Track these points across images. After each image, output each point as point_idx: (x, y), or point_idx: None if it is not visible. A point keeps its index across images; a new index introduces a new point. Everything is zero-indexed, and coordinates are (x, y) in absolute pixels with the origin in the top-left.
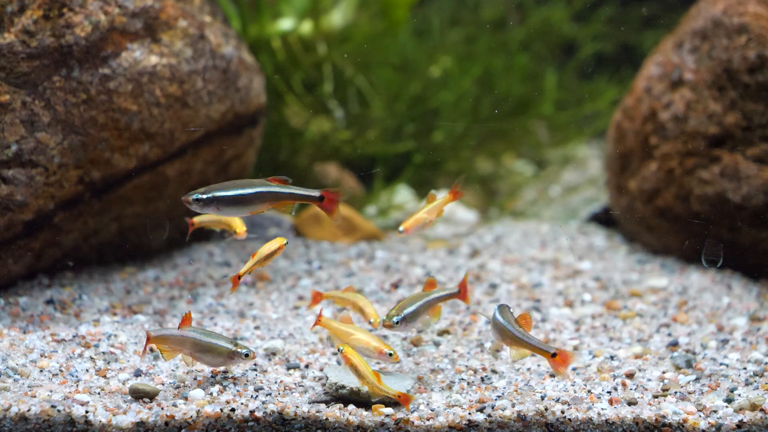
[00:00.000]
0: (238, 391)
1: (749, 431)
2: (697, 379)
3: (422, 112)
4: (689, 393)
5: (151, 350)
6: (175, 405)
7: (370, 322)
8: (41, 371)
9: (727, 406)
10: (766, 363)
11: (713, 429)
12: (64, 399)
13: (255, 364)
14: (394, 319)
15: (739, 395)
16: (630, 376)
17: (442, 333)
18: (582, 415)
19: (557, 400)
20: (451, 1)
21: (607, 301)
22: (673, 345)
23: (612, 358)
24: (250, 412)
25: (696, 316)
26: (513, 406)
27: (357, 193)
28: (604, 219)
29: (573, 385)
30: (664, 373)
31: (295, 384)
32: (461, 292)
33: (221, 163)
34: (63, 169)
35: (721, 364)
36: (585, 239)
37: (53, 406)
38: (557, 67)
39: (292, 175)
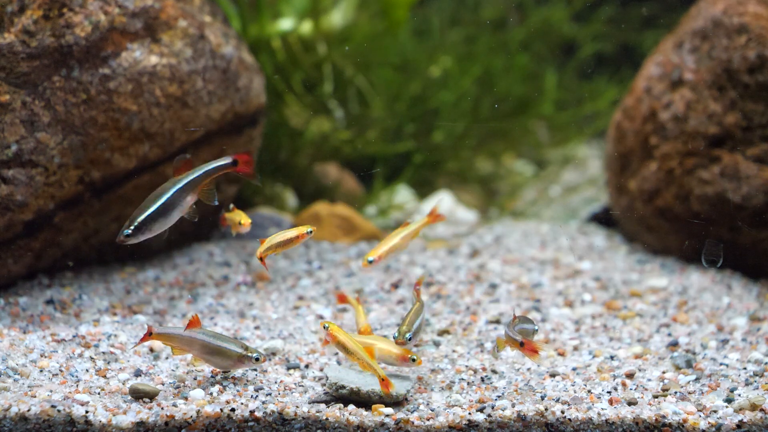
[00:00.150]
0: (238, 391)
1: (749, 431)
2: (697, 379)
3: (422, 112)
4: (689, 393)
5: (151, 350)
6: (175, 405)
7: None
8: (41, 371)
9: (727, 406)
10: (766, 363)
11: (713, 429)
12: (64, 399)
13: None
14: (407, 335)
15: (739, 395)
16: (630, 376)
17: (442, 333)
18: (582, 415)
19: (557, 400)
20: (451, 1)
21: (607, 301)
22: (673, 345)
23: (612, 358)
24: (250, 412)
25: (696, 316)
26: (513, 406)
27: (357, 193)
28: (604, 219)
29: (573, 385)
30: (664, 373)
31: (295, 384)
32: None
33: None
34: (63, 169)
35: (721, 364)
36: (585, 239)
37: (53, 406)
38: (557, 67)
39: (293, 175)
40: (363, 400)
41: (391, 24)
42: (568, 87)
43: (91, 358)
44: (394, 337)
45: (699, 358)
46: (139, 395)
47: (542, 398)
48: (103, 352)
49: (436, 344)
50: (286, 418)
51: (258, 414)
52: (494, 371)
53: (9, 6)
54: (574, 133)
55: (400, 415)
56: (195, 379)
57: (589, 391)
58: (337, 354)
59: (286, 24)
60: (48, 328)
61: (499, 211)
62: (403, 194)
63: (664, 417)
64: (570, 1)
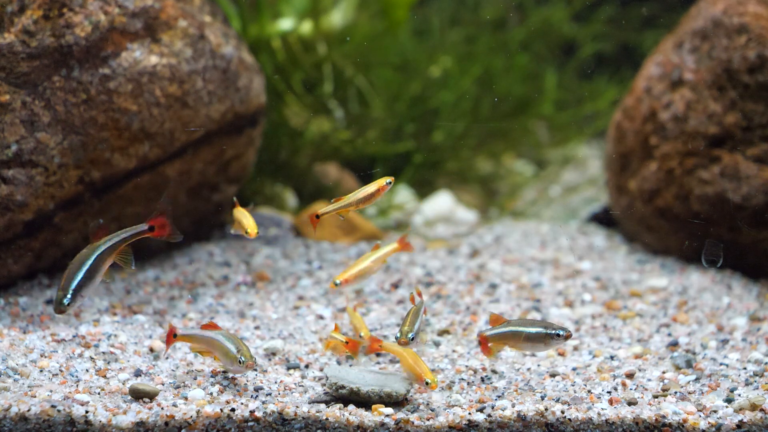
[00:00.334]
0: (238, 391)
1: (749, 431)
2: (697, 379)
3: (422, 112)
4: (689, 393)
5: (151, 350)
6: (175, 405)
7: (360, 336)
8: (41, 371)
9: (727, 406)
10: (766, 363)
11: (713, 429)
12: (64, 399)
13: (252, 356)
14: (410, 335)
15: (739, 395)
16: (630, 376)
17: (442, 333)
18: (582, 415)
19: (557, 400)
20: (451, 1)
21: (607, 301)
22: (673, 345)
23: (612, 358)
24: (250, 412)
25: (696, 316)
26: (513, 406)
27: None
28: (604, 219)
29: (573, 385)
30: (664, 373)
31: (295, 384)
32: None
33: (221, 163)
34: (63, 169)
35: (721, 364)
36: (585, 239)
37: (53, 406)
38: (557, 67)
39: (293, 175)
40: (363, 400)
41: (391, 24)
42: (568, 87)
43: (91, 358)
44: (396, 338)
45: (699, 358)
46: (139, 395)
47: (542, 398)
48: (103, 352)
49: (436, 344)
50: (286, 418)
51: (258, 414)
52: (494, 371)
53: (9, 6)
54: (574, 133)
55: (400, 415)
56: (195, 379)
57: (589, 391)
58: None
59: (286, 24)
60: (48, 328)
61: (499, 211)
62: (403, 194)
63: (664, 417)
64: (570, 1)
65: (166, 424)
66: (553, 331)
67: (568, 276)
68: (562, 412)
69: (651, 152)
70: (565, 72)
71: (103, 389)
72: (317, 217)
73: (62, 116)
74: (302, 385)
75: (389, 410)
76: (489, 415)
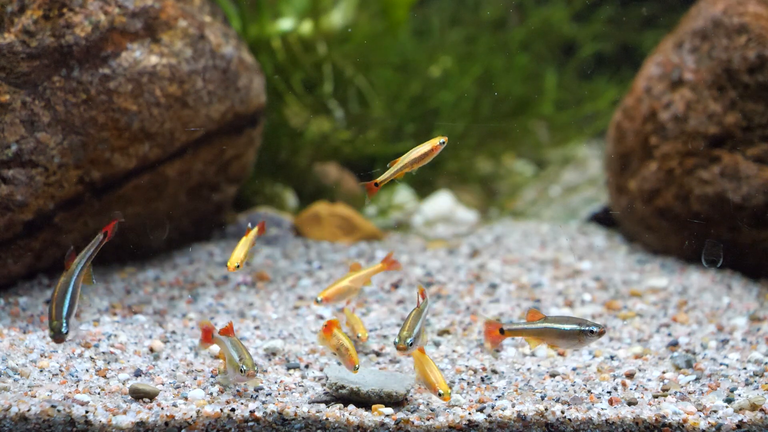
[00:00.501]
0: (237, 391)
1: (749, 431)
2: (697, 379)
3: (422, 112)
4: (689, 393)
5: (151, 350)
6: (175, 405)
7: (358, 337)
8: (41, 371)
9: (727, 406)
10: (766, 363)
11: (713, 429)
12: (64, 399)
13: (255, 364)
14: (408, 341)
15: (739, 395)
16: (630, 376)
17: (442, 333)
18: (582, 415)
19: (557, 400)
20: (451, 1)
21: (607, 301)
22: (673, 345)
23: (612, 358)
24: (250, 412)
25: (696, 316)
26: (513, 406)
27: (357, 193)
28: (604, 219)
29: (573, 385)
30: (664, 373)
31: (295, 384)
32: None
33: (221, 163)
34: (63, 169)
35: (721, 364)
36: (585, 239)
37: (53, 406)
38: (557, 67)
39: (293, 175)
40: (363, 400)
41: (391, 24)
42: (568, 87)
43: (91, 358)
44: (395, 343)
45: (699, 358)
46: (139, 395)
47: (542, 398)
48: (103, 352)
49: (436, 344)
50: (286, 418)
51: (258, 414)
52: (494, 371)
53: (9, 6)
54: (574, 133)
55: (400, 415)
56: (195, 379)
57: (589, 391)
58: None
59: (286, 24)
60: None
61: (499, 211)
62: (403, 194)
63: (664, 417)
64: (570, 1)
65: (166, 424)
66: (587, 328)
67: (568, 276)
68: (562, 412)
69: (651, 152)
70: (565, 72)
71: (103, 389)
72: (376, 185)
73: (62, 116)
74: (302, 385)
75: (389, 410)
76: (489, 415)
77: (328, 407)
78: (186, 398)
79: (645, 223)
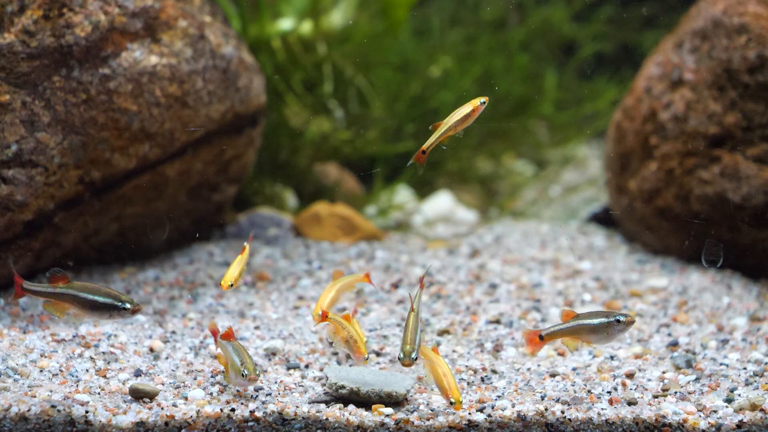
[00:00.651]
0: (238, 390)
1: (749, 431)
2: (697, 379)
3: (422, 112)
4: (689, 393)
5: (151, 350)
6: (175, 405)
7: (367, 357)
8: (41, 371)
9: (727, 406)
10: (766, 363)
11: (713, 429)
12: (64, 399)
13: (256, 368)
14: (413, 355)
15: (739, 395)
16: (630, 376)
17: (442, 333)
18: (582, 415)
19: (557, 400)
20: (451, 1)
21: (607, 301)
22: (673, 345)
23: (612, 358)
24: (250, 411)
25: (696, 316)
26: (513, 406)
27: (357, 193)
28: (604, 219)
29: (573, 385)
30: (664, 373)
31: (295, 384)
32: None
33: (221, 163)
34: (63, 169)
35: (721, 364)
36: (585, 239)
37: (53, 406)
38: (557, 67)
39: (293, 175)
40: (363, 400)
41: (391, 24)
42: (568, 87)
43: (91, 358)
44: (399, 359)
45: (699, 358)
46: (139, 395)
47: (542, 398)
48: (103, 352)
49: (437, 344)
50: (286, 418)
51: (258, 414)
52: (494, 371)
53: (9, 6)
54: (574, 133)
55: (400, 415)
56: (195, 379)
57: (589, 391)
58: (336, 354)
59: (286, 24)
60: (48, 328)
61: (499, 211)
62: (403, 194)
63: (664, 417)
64: (570, 1)
65: (166, 424)
66: (613, 318)
67: (568, 276)
68: (562, 412)
69: (651, 152)
70: (565, 72)
71: (103, 389)
72: (424, 152)
73: (62, 116)
74: (302, 385)
75: (389, 410)
76: (489, 415)
77: (328, 407)
78: (186, 398)
79: (645, 223)
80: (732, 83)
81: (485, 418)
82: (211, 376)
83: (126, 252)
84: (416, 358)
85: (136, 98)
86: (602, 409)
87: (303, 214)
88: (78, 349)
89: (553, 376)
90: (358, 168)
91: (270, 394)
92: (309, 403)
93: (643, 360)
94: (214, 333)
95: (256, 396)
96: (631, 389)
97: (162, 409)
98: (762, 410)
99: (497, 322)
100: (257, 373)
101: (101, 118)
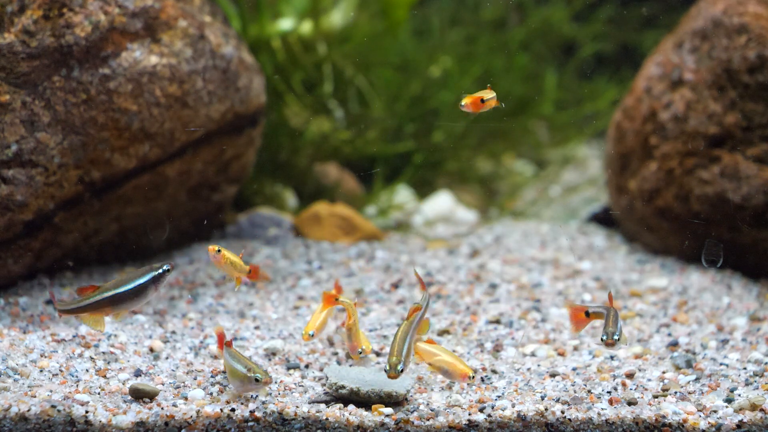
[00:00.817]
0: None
1: (749, 431)
2: (697, 379)
3: (422, 112)
4: (689, 393)
5: (151, 350)
6: (175, 405)
7: (362, 349)
8: (41, 371)
9: (727, 406)
10: (766, 363)
11: (713, 429)
12: (64, 399)
13: (266, 371)
14: (399, 367)
15: (739, 395)
16: (630, 376)
17: (442, 333)
18: (582, 415)
19: (557, 400)
20: (451, 1)
21: (607, 301)
22: (673, 345)
23: (612, 358)
24: (250, 412)
25: (696, 316)
26: (513, 406)
27: (357, 193)
28: (604, 219)
29: (573, 385)
30: (664, 373)
31: (295, 384)
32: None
33: (221, 163)
34: (63, 169)
35: (721, 364)
36: (585, 239)
37: (53, 406)
38: (557, 67)
39: (293, 175)
40: (363, 400)
41: (391, 24)
42: (568, 87)
43: (91, 358)
44: (385, 371)
45: (699, 358)
46: (139, 395)
47: (542, 398)
48: (103, 352)
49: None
50: (286, 418)
51: (258, 414)
52: (494, 371)
53: (9, 6)
54: (574, 133)
55: (400, 415)
56: (195, 379)
57: (589, 391)
58: (336, 354)
59: (286, 24)
60: (48, 328)
61: (499, 211)
62: (403, 194)
63: (664, 417)
64: (570, 1)
65: (166, 424)
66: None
67: (568, 276)
68: (562, 412)
69: (651, 152)
70: (565, 72)
71: (103, 389)
72: (483, 101)
73: (62, 116)
74: (302, 385)
75: (389, 410)
76: (489, 415)
77: (328, 407)
78: (186, 398)
79: (645, 223)
80: (732, 83)
81: (485, 418)
82: (211, 376)
83: (126, 252)
84: (403, 370)
85: (136, 98)
86: (602, 409)
87: (303, 214)
88: (78, 349)
89: (553, 376)
90: (358, 168)
91: (270, 394)
92: (309, 403)
93: (643, 360)
94: (221, 337)
95: (256, 396)
96: (631, 389)
97: (162, 409)
98: (762, 410)
99: (497, 322)
100: (269, 375)
101: (101, 118)
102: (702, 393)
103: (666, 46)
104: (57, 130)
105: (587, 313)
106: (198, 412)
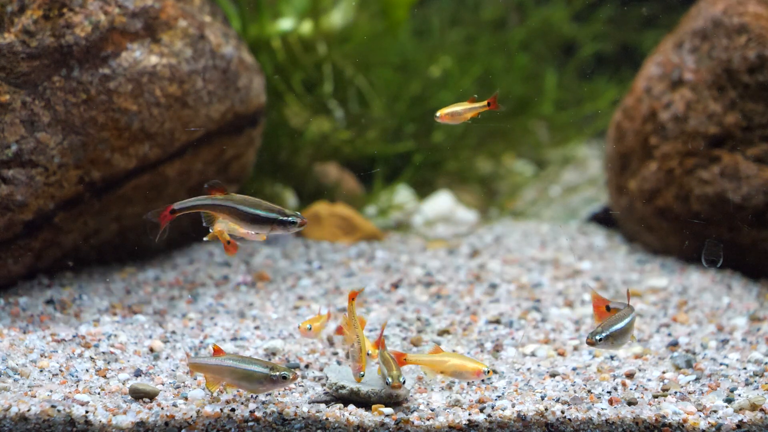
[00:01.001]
0: (238, 391)
1: (749, 431)
2: (697, 379)
3: (422, 112)
4: (689, 393)
5: (151, 350)
6: (175, 405)
7: (368, 354)
8: (41, 371)
9: (727, 406)
10: (766, 363)
11: (713, 429)
12: (64, 399)
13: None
14: (401, 378)
15: (739, 395)
16: (630, 376)
17: (442, 333)
18: (582, 415)
19: (557, 400)
20: (451, 1)
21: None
22: (673, 345)
23: (612, 358)
24: (250, 412)
25: (696, 316)
26: (513, 406)
27: (357, 193)
28: (604, 219)
29: (573, 385)
30: (664, 373)
31: (294, 384)
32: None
33: (221, 163)
34: (63, 169)
35: (721, 364)
36: (585, 239)
37: (53, 406)
38: (557, 67)
39: (293, 175)
40: (363, 400)
41: (391, 24)
42: (568, 87)
43: (91, 358)
44: (387, 383)
45: (699, 358)
46: (139, 395)
47: (542, 398)
48: (103, 352)
49: (437, 344)
50: (286, 418)
51: (258, 414)
52: (494, 371)
53: (9, 6)
54: (574, 133)
55: (400, 415)
56: (195, 379)
57: (589, 391)
58: (336, 354)
59: (286, 24)
60: (48, 328)
61: (499, 211)
62: (403, 194)
63: (664, 417)
64: (570, 1)
65: (166, 424)
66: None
67: (568, 276)
68: (562, 412)
69: (651, 152)
70: (565, 72)
71: (103, 389)
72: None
73: (62, 116)
74: (302, 385)
75: (389, 410)
76: (489, 415)
77: (328, 407)
78: (186, 398)
79: (645, 223)
80: (732, 83)
81: (485, 418)
82: None
83: (126, 252)
84: (404, 381)
85: (136, 98)
86: (602, 409)
87: (303, 214)
88: (78, 349)
89: (553, 376)
90: (358, 168)
91: (270, 394)
92: (309, 403)
93: (643, 360)
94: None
95: (256, 396)
96: (631, 389)
97: (162, 409)
98: (762, 410)
99: (497, 322)
100: (292, 371)
101: (101, 118)
102: (702, 393)
103: (666, 46)
104: (57, 130)
105: (608, 308)
106: (198, 412)
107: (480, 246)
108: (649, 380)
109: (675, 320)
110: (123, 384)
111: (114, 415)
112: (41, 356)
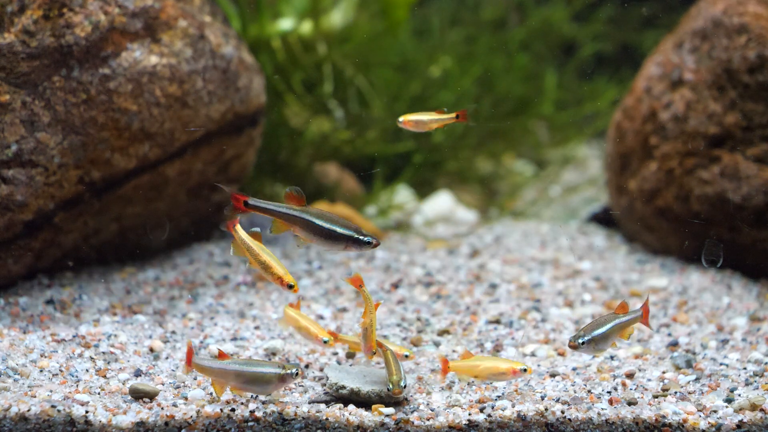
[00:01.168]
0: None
1: (749, 431)
2: (697, 379)
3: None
4: (689, 393)
5: (151, 350)
6: (175, 405)
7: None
8: (41, 371)
9: (727, 406)
10: (766, 363)
11: (713, 429)
12: (64, 399)
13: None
14: (402, 383)
15: (739, 395)
16: (630, 376)
17: (442, 333)
18: (582, 415)
19: (557, 400)
20: (451, 1)
21: (607, 301)
22: (673, 345)
23: (612, 358)
24: (250, 412)
25: (696, 316)
26: (513, 406)
27: (357, 193)
28: (604, 219)
29: (573, 385)
30: (664, 373)
31: (294, 384)
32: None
33: (221, 163)
34: (63, 169)
35: (721, 364)
36: (585, 239)
37: (53, 406)
38: (557, 67)
39: (293, 175)
40: (363, 400)
41: (391, 24)
42: (568, 87)
43: (91, 358)
44: (388, 389)
45: (699, 358)
46: (139, 395)
47: (542, 398)
48: (103, 352)
49: (436, 344)
50: (286, 418)
51: (258, 414)
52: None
53: (9, 6)
54: (574, 133)
55: (400, 415)
56: (195, 379)
57: (589, 391)
58: (336, 354)
59: (286, 24)
60: (48, 328)
61: (499, 211)
62: (403, 194)
63: (664, 417)
64: (570, 1)
65: (166, 424)
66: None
67: (568, 276)
68: (562, 412)
69: (651, 152)
70: (565, 72)
71: (103, 389)
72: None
73: (62, 116)
74: (302, 385)
75: (389, 410)
76: (489, 415)
77: (328, 407)
78: (186, 398)
79: (645, 223)
80: (732, 83)
81: (485, 418)
82: None
83: (126, 252)
84: (406, 386)
85: (136, 98)
86: (602, 409)
87: None
88: (78, 349)
89: (553, 376)
90: (358, 168)
91: (270, 394)
92: (309, 403)
93: (643, 360)
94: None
95: (256, 396)
96: (631, 389)
97: (162, 409)
98: (762, 410)
99: (497, 322)
100: (299, 367)
101: (101, 118)
102: (702, 393)
103: (666, 46)
104: (57, 130)
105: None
106: (198, 412)
107: (480, 246)
108: (649, 380)
109: (675, 320)
110: (123, 384)
111: (114, 415)
112: (41, 356)
